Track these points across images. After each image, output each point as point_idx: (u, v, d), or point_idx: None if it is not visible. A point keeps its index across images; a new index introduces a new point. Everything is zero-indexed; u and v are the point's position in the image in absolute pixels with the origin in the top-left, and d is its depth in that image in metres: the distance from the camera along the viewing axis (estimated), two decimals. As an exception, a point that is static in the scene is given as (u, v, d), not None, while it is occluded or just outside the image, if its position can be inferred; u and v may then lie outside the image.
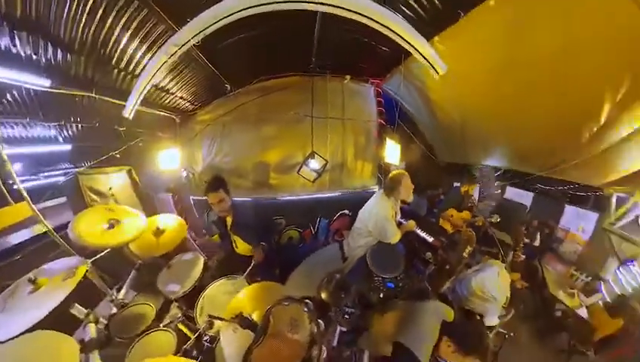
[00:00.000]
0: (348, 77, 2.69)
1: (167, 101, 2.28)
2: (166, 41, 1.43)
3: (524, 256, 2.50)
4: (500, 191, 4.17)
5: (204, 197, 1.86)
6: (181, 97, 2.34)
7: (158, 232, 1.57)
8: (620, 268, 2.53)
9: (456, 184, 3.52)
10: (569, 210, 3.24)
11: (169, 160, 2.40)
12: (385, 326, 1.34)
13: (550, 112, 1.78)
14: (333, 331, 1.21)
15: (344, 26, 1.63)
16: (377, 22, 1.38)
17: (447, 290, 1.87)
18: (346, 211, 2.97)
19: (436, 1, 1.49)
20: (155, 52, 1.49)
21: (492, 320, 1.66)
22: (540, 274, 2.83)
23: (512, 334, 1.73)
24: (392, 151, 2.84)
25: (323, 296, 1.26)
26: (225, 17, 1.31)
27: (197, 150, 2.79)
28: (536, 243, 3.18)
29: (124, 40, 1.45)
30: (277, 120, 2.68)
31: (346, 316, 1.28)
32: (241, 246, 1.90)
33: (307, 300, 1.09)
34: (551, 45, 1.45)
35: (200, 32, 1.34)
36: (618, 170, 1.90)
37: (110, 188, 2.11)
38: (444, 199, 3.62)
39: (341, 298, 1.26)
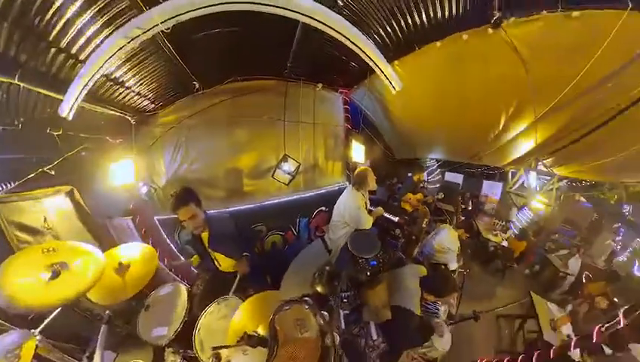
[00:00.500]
0: (320, 85, 2.74)
1: (120, 97, 1.81)
2: (128, 20, 1.09)
3: (463, 217, 4.07)
4: (441, 176, 5.67)
5: (172, 215, 1.59)
6: (139, 93, 1.92)
7: (123, 268, 1.22)
8: (519, 213, 4.67)
9: (409, 174, 4.45)
10: (485, 183, 5.47)
11: (123, 173, 1.94)
12: (379, 296, 1.56)
13: (470, 123, 2.76)
14: (338, 316, 1.26)
15: (323, 39, 1.73)
16: (351, 42, 1.55)
17: (417, 254, 2.46)
18: (323, 208, 3.04)
19: (399, 34, 1.90)
20: (112, 32, 1.12)
21: (453, 265, 2.32)
22: (475, 227, 4.52)
23: (467, 271, 2.73)
24: (358, 151, 3.13)
25: (319, 289, 1.28)
26: (205, 7, 1.10)
27: (158, 159, 2.38)
28: (470, 207, 4.73)
29: (73, 8, 0.99)
30: (249, 123, 2.51)
31: (345, 300, 1.39)
32: (225, 263, 1.70)
33: (305, 298, 1.10)
34: (472, 79, 2.18)
35: (173, 17, 1.10)
36: (510, 157, 3.23)
37: (45, 219, 1.50)
38: (402, 187, 4.40)
39: (335, 286, 1.30)
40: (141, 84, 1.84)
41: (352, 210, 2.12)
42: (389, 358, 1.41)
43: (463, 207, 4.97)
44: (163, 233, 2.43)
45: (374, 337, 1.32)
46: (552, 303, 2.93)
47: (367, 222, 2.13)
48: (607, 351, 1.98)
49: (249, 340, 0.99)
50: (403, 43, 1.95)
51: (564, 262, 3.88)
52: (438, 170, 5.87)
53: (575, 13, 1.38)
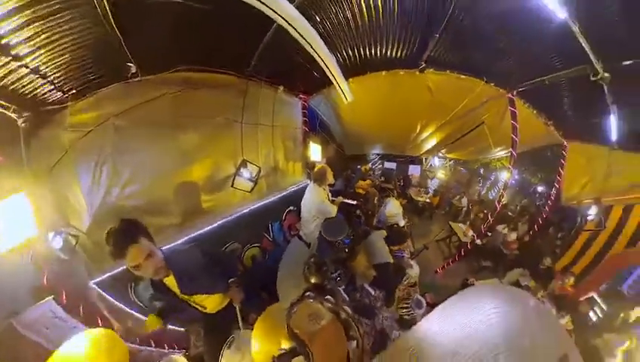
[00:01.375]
0: (282, 88, 2.58)
1: (8, 79, 1.01)
2: None
3: (400, 191, 5.81)
4: (381, 165, 7.54)
5: (115, 269, 1.22)
6: (37, 72, 1.08)
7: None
8: (431, 181, 7.17)
9: (358, 166, 5.45)
10: (411, 166, 7.56)
11: (14, 221, 1.04)
12: (362, 263, 1.83)
13: (399, 128, 3.73)
14: (339, 293, 1.33)
15: (293, 45, 1.58)
16: (318, 54, 1.61)
17: (376, 223, 3.14)
18: (291, 207, 3.07)
19: (357, 59, 2.34)
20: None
21: (402, 223, 3.08)
22: (408, 196, 6.37)
23: (411, 223, 4.03)
24: (315, 151, 3.29)
25: (313, 280, 1.30)
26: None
27: (71, 185, 1.41)
28: (403, 183, 6.43)
29: None
30: (200, 125, 1.95)
31: (338, 278, 1.51)
32: (211, 303, 1.34)
33: (305, 293, 1.10)
34: (402, 100, 2.90)
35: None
36: (424, 149, 4.69)
37: None
38: (354, 176, 5.15)
39: (325, 271, 1.33)
40: (43, 56, 1.02)
41: (317, 204, 2.25)
42: (389, 300, 1.64)
43: (399, 183, 7.01)
44: (113, 299, 1.56)
45: (373, 293, 1.47)
46: (459, 224, 5.00)
47: (333, 211, 2.31)
48: (489, 234, 4.01)
49: (281, 359, 0.94)
50: (359, 66, 2.39)
51: (459, 201, 6.54)
52: (379, 161, 7.45)
53: (462, 76, 2.45)
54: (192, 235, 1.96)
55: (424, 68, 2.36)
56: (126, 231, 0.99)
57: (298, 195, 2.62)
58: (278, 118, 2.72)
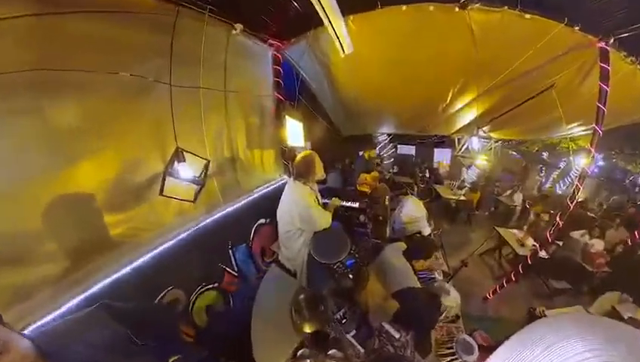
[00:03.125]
0: (240, 26, 2.21)
1: None
2: None
3: (422, 185, 6.00)
4: (394, 149, 7.64)
5: None
6: None
7: None
8: (468, 171, 7.65)
9: (360, 152, 5.34)
10: (436, 151, 8.23)
11: None
12: (375, 292, 1.79)
13: (421, 95, 3.68)
14: (348, 343, 1.30)
15: None
16: None
17: (390, 233, 3.07)
18: (262, 220, 2.96)
19: None
20: None
21: (426, 230, 3.07)
22: (434, 192, 6.66)
23: (440, 230, 3.67)
24: (295, 131, 3.15)
25: (306, 329, 1.29)
26: None
27: None
28: (427, 175, 6.70)
29: None
30: (88, 87, 1.46)
31: (343, 320, 1.44)
32: None
33: (298, 351, 1.10)
34: (427, 51, 2.79)
35: None
36: (457, 125, 4.92)
37: None
38: (355, 168, 5.15)
39: (323, 312, 1.35)
40: None
41: (302, 210, 2.18)
42: (422, 344, 1.62)
43: (421, 175, 6.91)
44: None
45: (397, 336, 1.41)
46: (512, 229, 5.05)
47: (325, 220, 2.25)
48: (559, 243, 4.23)
49: None
50: (364, -4, 2.16)
51: (510, 198, 6.84)
52: (391, 144, 7.31)
53: (527, 15, 2.23)
54: (94, 288, 1.53)
55: (467, 2, 2.16)
56: None
57: (271, 201, 2.54)
58: (235, 79, 2.44)
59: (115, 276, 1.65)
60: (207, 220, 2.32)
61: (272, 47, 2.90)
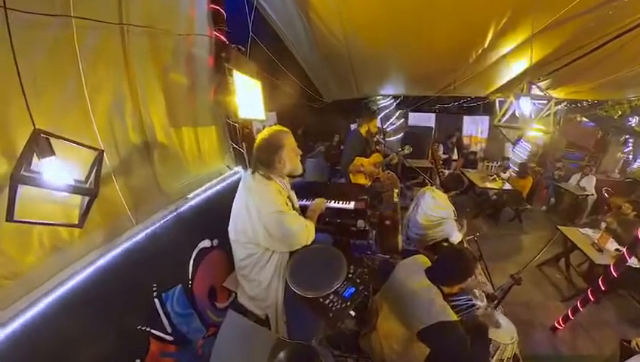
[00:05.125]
0: None
1: None
2: None
3: (446, 171, 6.06)
4: (403, 119, 7.53)
5: None
6: None
7: None
8: (514, 148, 8.12)
9: (353, 126, 5.33)
10: (467, 119, 8.70)
11: None
12: (390, 336, 1.89)
13: (446, 40, 3.70)
14: None
15: None
16: None
17: (404, 243, 3.13)
18: (205, 242, 2.95)
19: None
20: None
21: (456, 236, 3.13)
22: (465, 180, 6.40)
23: (478, 234, 3.70)
24: (250, 96, 3.17)
25: None
26: None
27: None
28: (454, 155, 6.78)
29: None
30: None
31: None
32: None
33: None
34: None
35: None
36: (497, 82, 5.40)
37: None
38: (346, 149, 5.12)
39: None
40: None
41: (269, 219, 2.24)
42: None
43: (445, 156, 7.01)
44: None
45: None
46: (583, 229, 5.23)
47: (306, 232, 2.34)
48: None
49: None
50: None
51: (578, 185, 7.09)
52: (398, 112, 7.33)
53: None
54: None
55: None
56: None
57: (218, 209, 2.60)
58: (140, 5, 2.37)
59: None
60: (110, 255, 2.18)
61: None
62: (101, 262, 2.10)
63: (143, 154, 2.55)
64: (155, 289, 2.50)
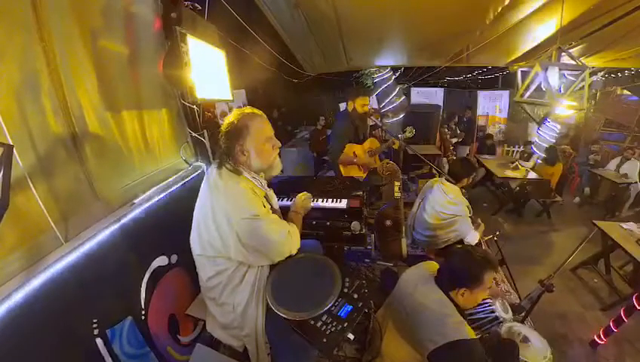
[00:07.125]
0: None
1: None
2: None
3: (456, 156, 6.39)
4: (403, 97, 7.54)
5: None
6: None
7: None
8: (539, 129, 8.02)
9: (343, 105, 5.27)
10: (482, 95, 8.93)
11: None
12: (400, 358, 1.96)
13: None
14: None
15: None
16: None
17: (409, 248, 3.10)
18: (160, 260, 2.94)
19: None
20: None
21: (472, 236, 3.22)
22: (477, 165, 6.81)
23: (498, 232, 3.88)
24: (211, 69, 3.22)
25: None
26: None
27: None
28: (463, 136, 6.79)
29: None
30: None
31: None
32: None
33: None
34: None
35: None
36: (519, 48, 5.32)
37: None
38: (334, 134, 5.14)
39: None
40: None
41: (241, 225, 2.27)
42: None
43: (456, 141, 7.11)
44: None
45: None
46: (626, 223, 5.30)
47: (289, 239, 2.40)
48: None
49: None
50: None
51: (618, 171, 7.22)
52: (398, 87, 7.38)
53: None
54: None
55: None
56: None
57: (174, 216, 2.74)
58: None
59: None
60: (30, 286, 2.08)
61: None
62: (17, 296, 1.98)
63: (70, 148, 2.44)
64: (95, 325, 2.42)
